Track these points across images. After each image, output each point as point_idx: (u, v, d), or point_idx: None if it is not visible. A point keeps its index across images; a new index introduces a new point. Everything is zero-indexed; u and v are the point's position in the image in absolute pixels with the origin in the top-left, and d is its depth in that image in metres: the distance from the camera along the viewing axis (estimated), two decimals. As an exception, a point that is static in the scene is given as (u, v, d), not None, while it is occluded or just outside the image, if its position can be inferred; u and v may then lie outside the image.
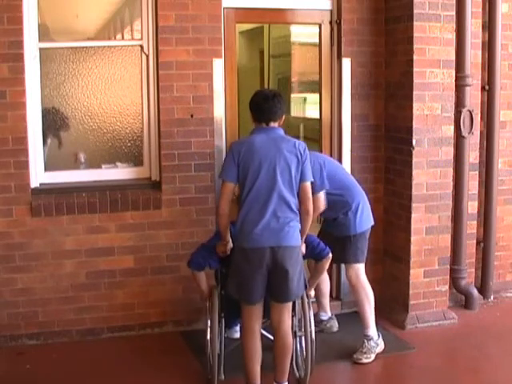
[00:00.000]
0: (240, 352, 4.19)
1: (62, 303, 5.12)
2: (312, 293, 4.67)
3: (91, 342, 5.13)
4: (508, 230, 6.15)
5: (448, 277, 5.59)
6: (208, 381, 4.42)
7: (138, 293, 5.25)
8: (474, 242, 5.94)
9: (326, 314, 5.31)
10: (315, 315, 5.02)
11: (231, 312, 4.44)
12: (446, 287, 5.56)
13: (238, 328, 4.76)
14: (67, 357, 4.91)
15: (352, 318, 5.57)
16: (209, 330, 4.34)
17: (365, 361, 4.78)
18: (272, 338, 4.28)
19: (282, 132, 4.19)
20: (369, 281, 5.11)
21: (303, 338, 4.41)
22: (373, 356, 4.81)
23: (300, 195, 4.10)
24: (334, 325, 5.29)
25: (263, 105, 4.13)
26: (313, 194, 4.21)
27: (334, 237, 4.85)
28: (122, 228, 5.17)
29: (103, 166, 5.35)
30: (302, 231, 4.15)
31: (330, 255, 4.53)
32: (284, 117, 4.24)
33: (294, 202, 4.07)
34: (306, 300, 4.36)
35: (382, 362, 4.85)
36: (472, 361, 4.94)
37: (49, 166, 5.18)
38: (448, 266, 5.56)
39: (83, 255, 5.12)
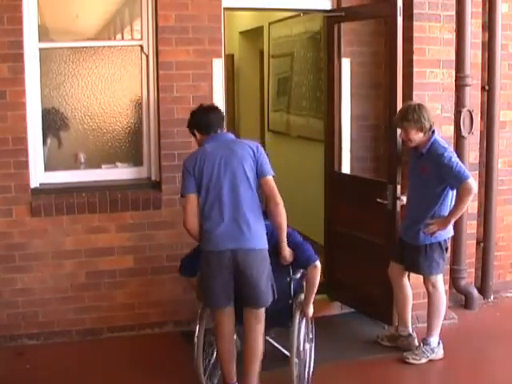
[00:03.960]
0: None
1: (61, 303, 5.12)
2: (310, 311, 4.26)
3: (91, 342, 5.13)
4: (508, 230, 6.15)
5: (448, 277, 5.58)
6: None
7: (138, 293, 5.25)
8: (474, 242, 5.94)
9: (405, 330, 4.98)
10: (395, 329, 5.05)
11: None
12: (446, 287, 5.54)
13: None
14: (67, 357, 4.91)
15: (352, 318, 5.58)
16: (196, 333, 4.29)
17: (412, 361, 4.77)
18: (284, 351, 4.30)
19: (232, 136, 4.23)
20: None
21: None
22: (423, 360, 4.77)
23: (265, 191, 4.02)
24: (413, 343, 4.92)
25: (210, 116, 4.19)
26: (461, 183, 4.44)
27: (408, 244, 4.80)
28: (121, 228, 5.17)
29: (103, 166, 5.36)
30: (278, 227, 4.03)
31: (316, 264, 4.15)
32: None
33: (253, 201, 4.00)
34: (296, 319, 4.18)
35: (383, 362, 4.85)
36: (472, 361, 4.94)
37: (49, 166, 5.18)
38: (448, 266, 5.56)
39: (83, 255, 5.12)
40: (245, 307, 4.06)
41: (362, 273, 5.41)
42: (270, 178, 4.03)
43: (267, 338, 4.54)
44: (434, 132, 4.70)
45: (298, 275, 4.30)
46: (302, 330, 4.21)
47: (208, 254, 4.01)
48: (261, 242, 4.01)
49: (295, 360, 4.16)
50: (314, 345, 4.52)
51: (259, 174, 4.02)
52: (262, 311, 4.07)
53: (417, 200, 4.77)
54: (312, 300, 4.25)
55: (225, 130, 4.30)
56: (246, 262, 3.94)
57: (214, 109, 4.32)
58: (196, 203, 4.04)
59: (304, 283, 4.30)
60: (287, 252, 4.12)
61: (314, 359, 4.43)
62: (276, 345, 4.61)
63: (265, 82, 8.42)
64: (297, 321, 4.18)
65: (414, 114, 4.60)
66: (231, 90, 8.84)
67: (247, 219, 3.96)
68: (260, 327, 4.07)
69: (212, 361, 4.49)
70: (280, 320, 4.25)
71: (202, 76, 5.19)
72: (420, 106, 4.67)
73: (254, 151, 4.03)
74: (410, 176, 4.88)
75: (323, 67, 5.94)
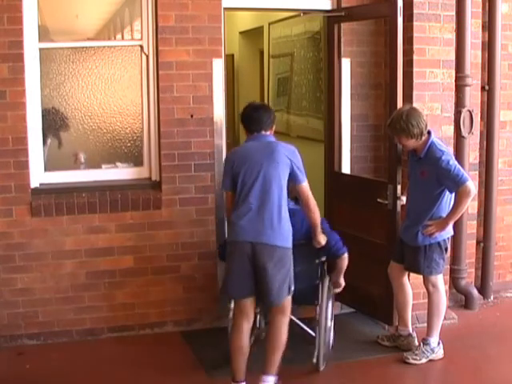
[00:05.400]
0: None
1: (61, 303, 5.12)
2: (342, 282, 4.64)
3: (91, 342, 5.13)
4: (508, 230, 6.15)
5: (448, 277, 5.58)
6: None
7: (138, 293, 5.25)
8: (474, 242, 5.94)
9: (405, 330, 4.99)
10: (395, 329, 5.10)
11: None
12: (446, 287, 5.54)
13: None
14: (67, 357, 4.91)
15: (352, 318, 5.58)
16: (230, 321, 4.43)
17: (411, 361, 4.77)
18: (310, 331, 4.55)
19: (273, 138, 4.32)
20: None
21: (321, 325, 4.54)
22: (423, 360, 4.76)
23: (300, 198, 4.26)
24: (413, 343, 4.92)
25: (253, 115, 4.30)
26: (459, 186, 4.48)
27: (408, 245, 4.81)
28: (121, 228, 5.17)
29: (103, 166, 5.35)
30: (313, 224, 4.30)
31: (345, 256, 4.55)
32: (274, 127, 4.36)
33: (282, 201, 4.12)
34: (325, 287, 4.46)
35: (383, 362, 4.85)
36: (472, 361, 4.94)
37: (49, 166, 5.18)
38: (448, 266, 5.56)
39: (83, 255, 5.12)
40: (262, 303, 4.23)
41: (362, 273, 5.40)
42: (304, 185, 4.22)
43: (292, 317, 4.59)
44: (430, 134, 4.69)
45: (324, 258, 4.59)
46: (329, 307, 4.51)
47: (231, 244, 4.15)
48: (282, 239, 4.10)
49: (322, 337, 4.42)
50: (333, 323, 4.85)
51: (294, 181, 4.18)
52: (285, 304, 4.15)
53: (416, 201, 4.77)
54: (341, 277, 4.64)
55: (270, 132, 4.32)
56: (262, 256, 4.03)
57: (260, 109, 4.37)
58: (232, 198, 4.25)
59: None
60: (321, 237, 4.38)
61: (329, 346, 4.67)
62: (298, 322, 4.72)
63: (265, 82, 8.41)
64: (325, 297, 4.52)
65: (401, 123, 4.59)
66: (231, 90, 8.84)
67: (272, 217, 4.07)
68: (282, 319, 4.16)
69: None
70: (306, 298, 4.51)
71: (202, 76, 5.19)
72: (409, 113, 4.61)
73: (290, 154, 4.17)
74: (409, 178, 4.89)
75: (323, 67, 5.94)
